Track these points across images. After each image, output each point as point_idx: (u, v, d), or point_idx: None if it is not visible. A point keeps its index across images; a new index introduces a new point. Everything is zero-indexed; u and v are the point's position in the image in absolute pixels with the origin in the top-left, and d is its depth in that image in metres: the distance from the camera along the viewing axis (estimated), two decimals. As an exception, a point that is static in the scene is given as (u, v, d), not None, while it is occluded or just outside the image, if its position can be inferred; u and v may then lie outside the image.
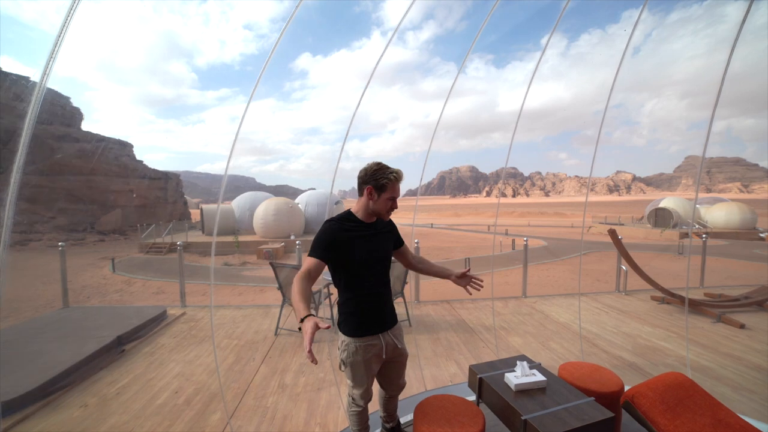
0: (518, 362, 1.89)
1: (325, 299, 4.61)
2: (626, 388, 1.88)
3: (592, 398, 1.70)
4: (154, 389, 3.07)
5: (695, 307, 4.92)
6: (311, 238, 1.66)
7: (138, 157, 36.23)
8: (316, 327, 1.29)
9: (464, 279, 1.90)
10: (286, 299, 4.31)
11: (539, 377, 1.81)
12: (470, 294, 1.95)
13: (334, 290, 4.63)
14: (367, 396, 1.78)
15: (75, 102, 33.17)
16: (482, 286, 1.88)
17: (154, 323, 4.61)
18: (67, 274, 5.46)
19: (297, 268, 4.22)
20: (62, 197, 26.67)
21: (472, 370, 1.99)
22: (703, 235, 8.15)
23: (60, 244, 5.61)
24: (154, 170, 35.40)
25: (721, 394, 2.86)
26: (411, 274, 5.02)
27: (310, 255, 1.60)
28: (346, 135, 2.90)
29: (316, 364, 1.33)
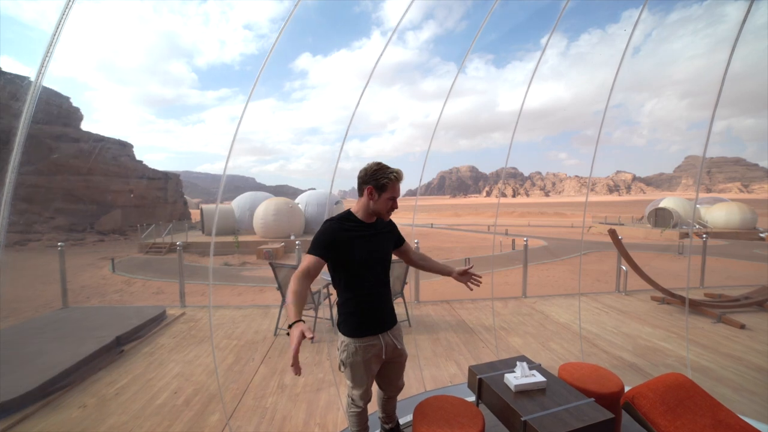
0: (518, 363, 1.88)
1: (324, 299, 4.60)
2: (626, 388, 1.87)
3: (592, 399, 1.70)
4: (153, 390, 3.07)
5: (695, 307, 4.91)
6: (311, 238, 1.65)
7: (138, 157, 36.24)
8: (303, 336, 1.28)
9: (465, 276, 1.93)
10: (285, 299, 4.30)
11: (539, 378, 1.80)
12: (471, 290, 1.98)
13: (333, 290, 4.63)
14: (366, 397, 1.77)
15: (75, 102, 33.14)
16: (481, 283, 1.92)
17: (154, 323, 4.60)
18: (66, 275, 5.46)
19: (296, 268, 4.22)
20: (62, 197, 26.67)
21: (472, 371, 1.98)
22: (704, 235, 8.14)
23: (59, 244, 5.60)
24: (154, 170, 35.39)
25: (721, 395, 2.85)
26: (411, 274, 5.01)
27: (309, 253, 1.59)
28: (345, 135, 2.89)
29: (299, 375, 1.32)
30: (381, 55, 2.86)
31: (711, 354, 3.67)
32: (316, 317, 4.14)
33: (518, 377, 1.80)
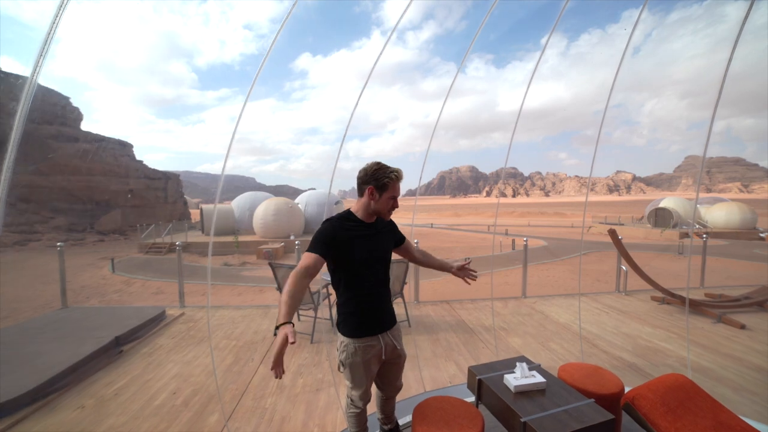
0: (518, 363, 1.88)
1: (324, 300, 4.59)
2: (626, 389, 1.87)
3: (592, 400, 1.69)
4: (151, 390, 3.06)
5: (696, 307, 4.90)
6: (311, 238, 1.64)
7: (138, 157, 36.24)
8: (286, 340, 1.25)
9: (462, 271, 2.00)
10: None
11: (539, 378, 1.79)
12: (468, 284, 2.04)
13: (332, 290, 4.62)
14: (366, 397, 1.77)
15: (75, 102, 33.17)
16: (476, 277, 2.00)
17: (153, 324, 4.59)
18: (66, 275, 5.45)
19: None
20: (62, 197, 26.67)
21: (471, 372, 1.98)
22: (704, 235, 8.13)
23: (58, 244, 5.59)
24: (154, 170, 35.40)
25: (721, 396, 2.85)
26: (410, 274, 5.00)
27: (309, 251, 1.56)
28: (344, 135, 2.89)
29: (279, 378, 1.29)
30: (380, 54, 2.86)
31: (711, 354, 3.66)
32: (315, 317, 4.13)
33: (518, 378, 1.79)
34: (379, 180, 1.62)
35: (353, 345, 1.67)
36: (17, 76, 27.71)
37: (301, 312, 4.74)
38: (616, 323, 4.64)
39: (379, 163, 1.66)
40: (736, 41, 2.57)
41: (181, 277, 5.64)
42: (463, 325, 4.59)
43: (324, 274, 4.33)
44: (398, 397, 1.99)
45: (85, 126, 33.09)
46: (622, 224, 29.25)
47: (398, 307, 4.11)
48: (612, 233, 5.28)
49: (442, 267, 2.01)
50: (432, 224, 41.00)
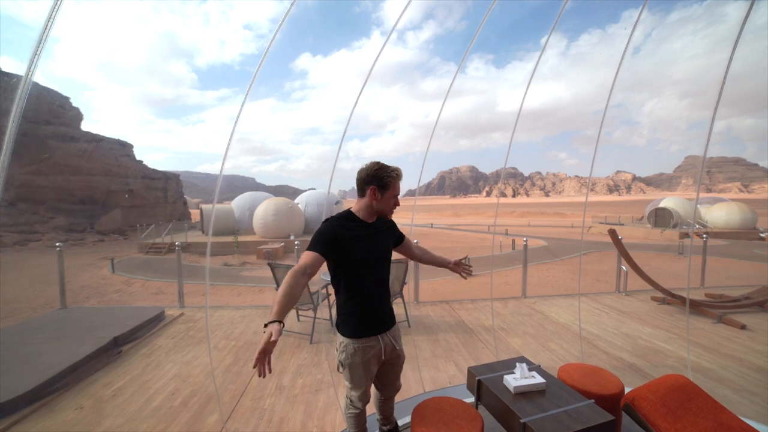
0: (517, 364, 1.87)
1: (323, 300, 4.58)
2: (627, 390, 1.86)
3: (592, 401, 1.68)
4: (150, 391, 3.05)
5: (696, 307, 4.89)
6: (311, 238, 1.63)
7: (138, 157, 36.24)
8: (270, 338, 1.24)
9: (458, 266, 2.08)
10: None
11: (538, 379, 1.79)
12: (464, 278, 2.11)
13: (332, 290, 4.61)
14: (365, 398, 1.76)
15: (75, 102, 33.17)
16: (471, 271, 2.09)
17: (152, 324, 4.58)
18: (65, 275, 5.44)
19: (295, 268, 4.20)
20: (62, 197, 26.66)
21: (471, 372, 1.97)
22: (704, 235, 8.12)
23: (58, 244, 5.58)
24: (154, 170, 35.40)
25: (722, 396, 2.84)
26: (410, 274, 5.00)
27: (309, 250, 1.55)
28: (344, 135, 2.88)
29: (263, 377, 1.26)
30: (379, 53, 2.85)
31: (712, 355, 3.65)
32: (314, 318, 4.12)
33: (517, 378, 1.79)
34: (381, 180, 1.62)
35: (353, 345, 1.66)
36: (17, 76, 27.71)
37: (300, 312, 4.73)
38: (616, 323, 4.64)
39: (378, 163, 1.65)
40: (737, 41, 2.56)
41: (181, 278, 5.63)
42: (462, 325, 4.58)
43: (323, 274, 4.33)
44: (397, 398, 1.98)
45: (85, 126, 33.10)
46: (622, 224, 29.25)
47: (398, 308, 4.10)
48: (612, 233, 5.28)
49: (441, 263, 2.10)
50: (432, 224, 41.01)
